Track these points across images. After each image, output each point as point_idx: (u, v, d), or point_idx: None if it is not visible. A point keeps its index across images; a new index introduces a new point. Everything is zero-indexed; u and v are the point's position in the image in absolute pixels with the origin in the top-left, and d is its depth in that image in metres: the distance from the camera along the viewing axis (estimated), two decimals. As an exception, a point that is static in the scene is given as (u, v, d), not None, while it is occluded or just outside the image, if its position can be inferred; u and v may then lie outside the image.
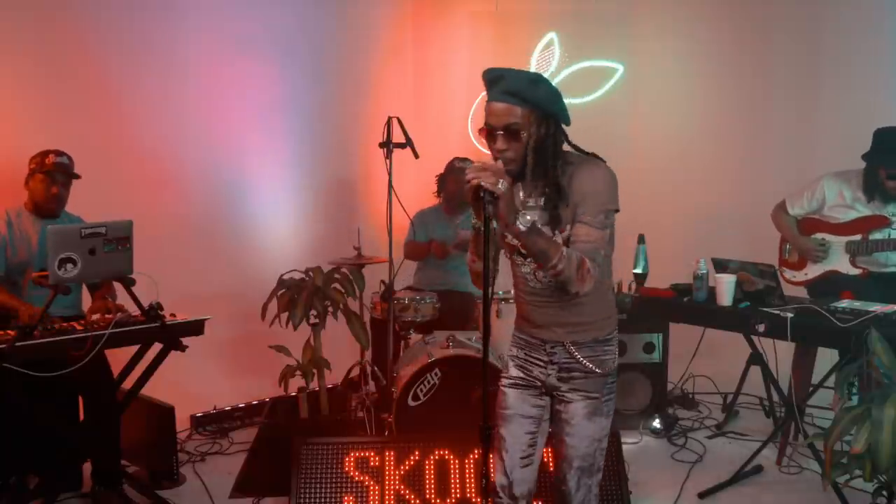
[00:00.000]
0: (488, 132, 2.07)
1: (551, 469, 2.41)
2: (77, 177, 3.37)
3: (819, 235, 3.87)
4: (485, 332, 1.97)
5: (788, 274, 3.97)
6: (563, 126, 2.14)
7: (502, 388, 2.31)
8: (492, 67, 2.09)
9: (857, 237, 3.73)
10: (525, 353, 2.29)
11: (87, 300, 3.47)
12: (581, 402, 2.20)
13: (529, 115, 2.04)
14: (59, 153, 3.32)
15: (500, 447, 2.27)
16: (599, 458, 2.24)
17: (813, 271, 3.89)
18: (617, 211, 2.13)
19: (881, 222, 3.68)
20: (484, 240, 1.92)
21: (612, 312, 2.28)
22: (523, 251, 2.11)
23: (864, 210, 3.72)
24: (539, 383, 2.26)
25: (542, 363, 2.25)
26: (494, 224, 1.96)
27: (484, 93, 2.13)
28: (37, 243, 3.30)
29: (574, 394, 2.21)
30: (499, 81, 2.05)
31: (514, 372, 2.30)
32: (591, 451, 2.22)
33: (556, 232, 2.10)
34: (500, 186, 1.90)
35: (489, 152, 2.14)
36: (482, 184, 1.89)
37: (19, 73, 3.81)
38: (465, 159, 4.42)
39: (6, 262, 3.27)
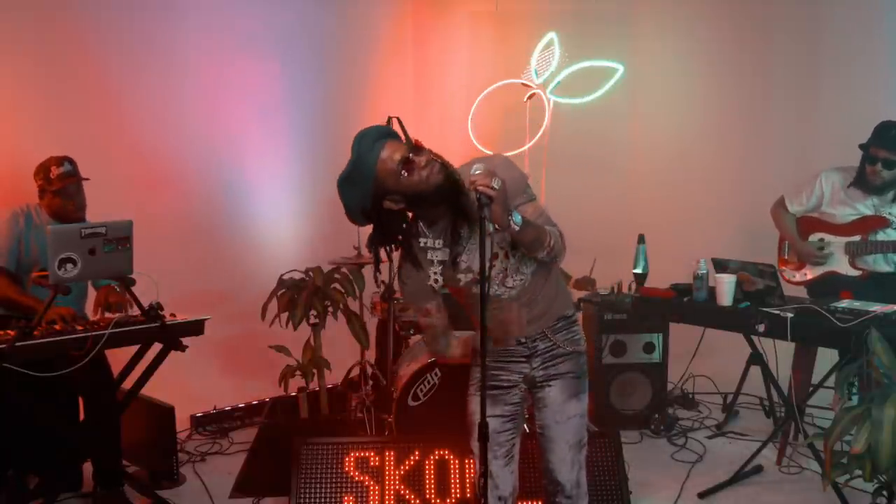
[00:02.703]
0: (406, 169, 2.03)
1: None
2: (86, 179, 3.34)
3: (818, 236, 3.87)
4: (482, 331, 1.98)
5: (788, 274, 3.97)
6: None
7: (471, 396, 2.32)
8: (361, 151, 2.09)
9: (857, 238, 3.73)
10: (498, 361, 2.29)
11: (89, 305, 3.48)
12: (565, 383, 2.31)
13: (406, 139, 2.12)
14: (59, 162, 3.25)
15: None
16: (585, 432, 2.38)
17: (812, 272, 3.88)
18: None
19: (881, 223, 3.67)
20: (479, 240, 1.94)
21: (562, 281, 2.40)
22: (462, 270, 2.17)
23: (860, 207, 3.72)
24: (517, 381, 2.31)
25: (523, 360, 2.30)
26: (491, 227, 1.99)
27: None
28: None
29: (557, 379, 2.30)
30: (365, 137, 2.07)
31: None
32: (579, 428, 2.35)
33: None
34: (494, 185, 1.92)
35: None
36: (477, 186, 1.91)
37: (19, 73, 3.81)
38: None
39: (18, 258, 3.25)
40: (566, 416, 2.32)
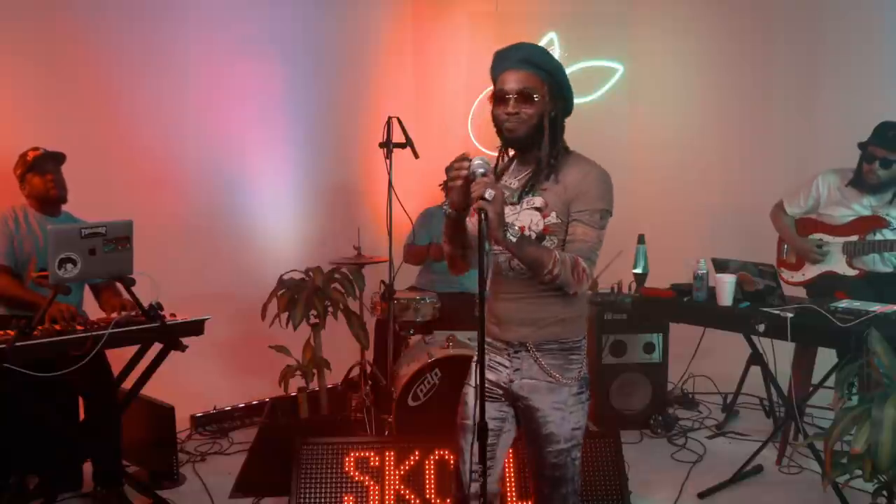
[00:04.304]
0: (500, 97, 2.08)
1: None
2: (63, 156, 3.38)
3: (816, 236, 3.87)
4: (480, 331, 1.96)
5: (786, 274, 3.97)
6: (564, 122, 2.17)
7: (465, 396, 2.25)
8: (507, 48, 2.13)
9: (854, 238, 3.73)
10: (488, 359, 2.19)
11: (88, 304, 3.48)
12: (546, 411, 2.13)
13: (543, 85, 2.09)
14: (34, 148, 3.34)
15: (458, 459, 2.22)
16: (572, 467, 2.17)
17: (810, 272, 3.88)
18: (611, 214, 2.13)
19: (879, 223, 3.67)
20: (479, 248, 1.92)
21: (583, 314, 2.22)
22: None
23: (856, 207, 3.72)
24: (500, 391, 2.20)
25: (505, 368, 2.19)
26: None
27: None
28: (43, 240, 3.29)
29: (538, 403, 2.14)
30: (516, 52, 2.10)
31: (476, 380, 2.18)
32: (560, 462, 2.15)
33: (540, 216, 2.09)
34: (487, 195, 1.89)
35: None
36: (474, 194, 1.91)
37: (19, 73, 3.81)
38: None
39: (14, 257, 3.27)
40: (546, 446, 2.14)
